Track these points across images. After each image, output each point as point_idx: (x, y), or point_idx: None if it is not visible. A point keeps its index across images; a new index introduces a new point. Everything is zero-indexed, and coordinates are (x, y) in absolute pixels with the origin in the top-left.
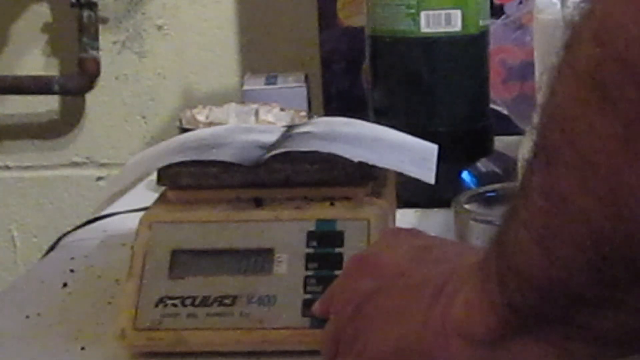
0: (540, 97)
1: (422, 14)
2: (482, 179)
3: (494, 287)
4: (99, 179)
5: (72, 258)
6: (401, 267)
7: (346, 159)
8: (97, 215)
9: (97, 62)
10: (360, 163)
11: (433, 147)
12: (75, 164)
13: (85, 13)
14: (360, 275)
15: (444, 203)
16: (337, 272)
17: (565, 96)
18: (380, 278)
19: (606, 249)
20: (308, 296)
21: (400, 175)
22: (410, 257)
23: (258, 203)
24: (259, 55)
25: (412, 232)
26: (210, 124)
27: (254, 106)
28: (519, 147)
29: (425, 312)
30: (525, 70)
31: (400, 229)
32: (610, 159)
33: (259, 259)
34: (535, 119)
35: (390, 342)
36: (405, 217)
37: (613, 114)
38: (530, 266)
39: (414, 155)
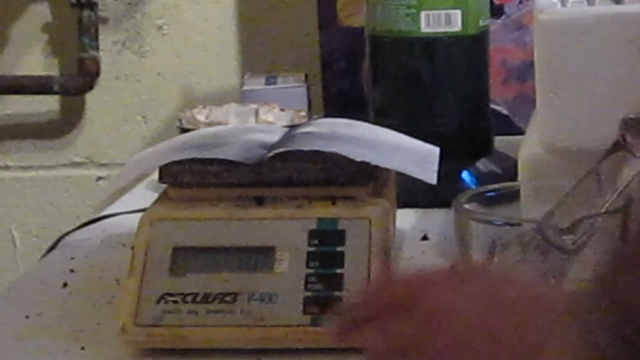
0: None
1: (422, 14)
2: (482, 179)
3: None
4: (99, 179)
5: (72, 258)
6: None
7: (348, 159)
8: (97, 215)
9: (97, 62)
10: (362, 163)
11: (435, 150)
12: (75, 164)
13: (85, 13)
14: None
15: (444, 203)
16: (338, 271)
17: None
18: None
19: None
20: (309, 294)
21: (400, 175)
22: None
23: (259, 201)
24: (259, 55)
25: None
26: (210, 124)
27: (254, 106)
28: (519, 147)
29: None
30: (525, 70)
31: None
32: None
33: (260, 256)
34: None
35: None
36: (405, 217)
37: None
38: None
39: (415, 156)
